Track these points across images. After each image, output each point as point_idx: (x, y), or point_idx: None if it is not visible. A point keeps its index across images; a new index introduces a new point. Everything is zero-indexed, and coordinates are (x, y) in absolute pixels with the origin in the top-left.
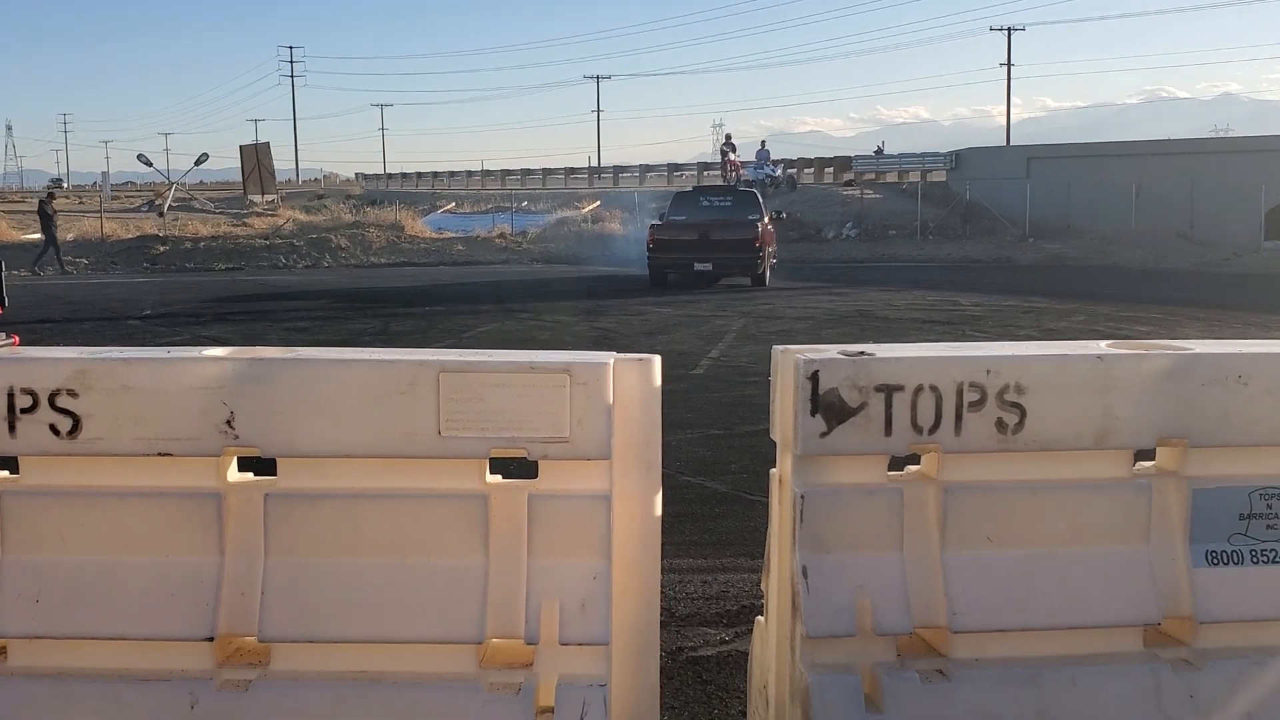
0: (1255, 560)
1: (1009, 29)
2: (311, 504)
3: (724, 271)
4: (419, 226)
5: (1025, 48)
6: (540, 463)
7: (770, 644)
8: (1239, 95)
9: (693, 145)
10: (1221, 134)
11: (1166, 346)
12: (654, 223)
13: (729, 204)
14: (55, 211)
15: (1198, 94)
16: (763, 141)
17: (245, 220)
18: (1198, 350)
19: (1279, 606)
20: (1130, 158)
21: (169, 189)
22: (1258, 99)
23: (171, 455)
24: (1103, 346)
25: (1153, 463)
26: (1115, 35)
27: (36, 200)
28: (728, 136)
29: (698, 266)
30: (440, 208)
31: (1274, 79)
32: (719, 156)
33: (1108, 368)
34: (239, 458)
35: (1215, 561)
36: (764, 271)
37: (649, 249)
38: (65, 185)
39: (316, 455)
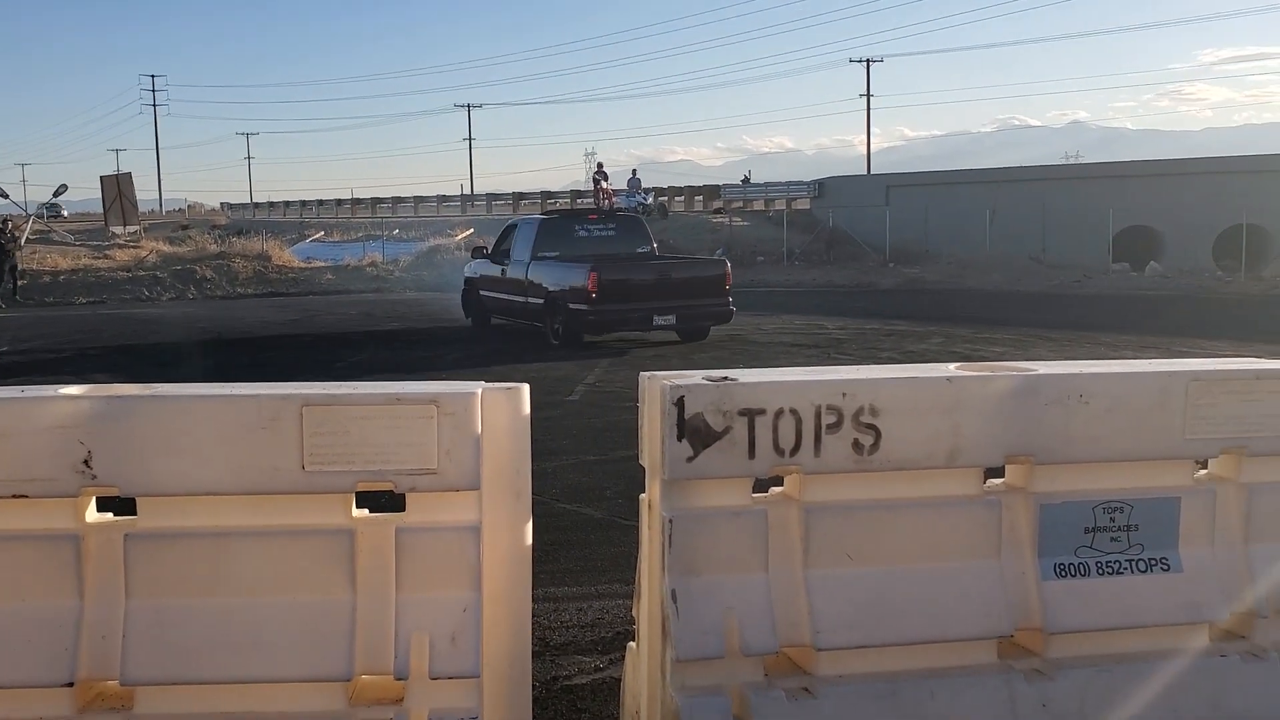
0: (1100, 572)
1: (868, 61)
2: (173, 543)
3: (690, 324)
4: (286, 256)
5: (884, 79)
6: (408, 495)
7: (642, 669)
8: (1088, 123)
9: (565, 173)
10: (1072, 160)
11: (1012, 368)
12: (539, 256)
13: (614, 232)
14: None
15: (1049, 122)
16: (634, 170)
17: (107, 252)
18: (1041, 371)
19: (1124, 616)
20: (985, 185)
21: (26, 221)
22: (1105, 126)
23: (27, 497)
24: (952, 369)
25: (1002, 480)
26: (969, 66)
27: None
28: (599, 165)
29: (658, 320)
30: (309, 237)
31: (1120, 107)
32: (591, 184)
33: (957, 389)
34: (98, 498)
35: (1063, 574)
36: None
37: (590, 297)
38: None
39: (178, 493)
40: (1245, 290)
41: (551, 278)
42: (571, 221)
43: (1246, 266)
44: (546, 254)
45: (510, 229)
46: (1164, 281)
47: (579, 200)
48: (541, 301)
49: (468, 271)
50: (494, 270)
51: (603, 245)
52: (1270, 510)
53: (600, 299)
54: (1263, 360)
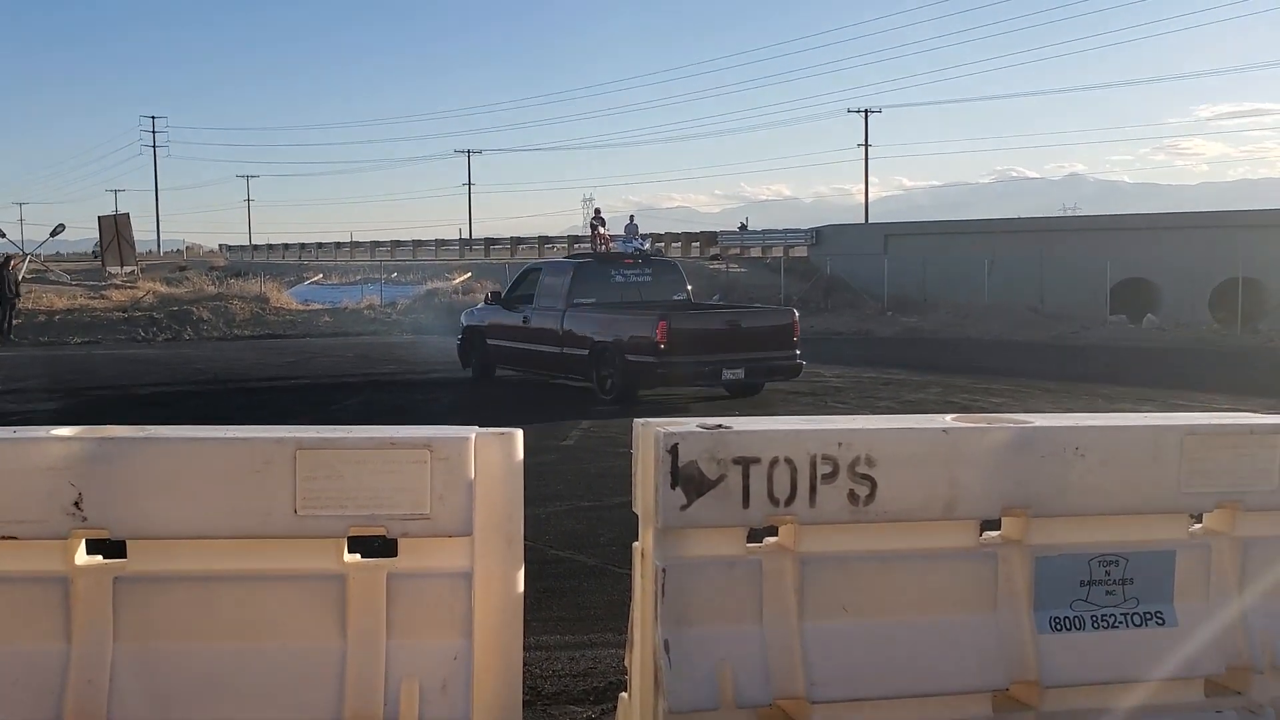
0: (1096, 626)
1: (866, 111)
2: (163, 587)
3: (758, 379)
4: (284, 298)
5: (882, 129)
6: (400, 540)
7: None
8: (1085, 175)
9: (563, 218)
10: (1070, 213)
11: (1008, 420)
12: (576, 303)
13: (650, 278)
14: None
15: (1047, 174)
16: (631, 216)
17: (103, 292)
18: (1037, 424)
19: (1119, 670)
20: (983, 235)
21: (23, 260)
22: (1103, 179)
23: (16, 539)
24: (948, 420)
25: (998, 532)
26: (968, 118)
27: None
28: (597, 210)
29: (727, 374)
30: (307, 279)
31: (1117, 160)
32: (589, 230)
33: (953, 440)
34: (88, 540)
35: (1059, 627)
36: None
37: (658, 349)
38: None
39: (168, 537)
40: (1241, 343)
41: (600, 327)
42: (607, 266)
43: (1242, 320)
44: (583, 300)
45: (531, 273)
46: (1161, 334)
47: (576, 246)
48: (585, 352)
49: (468, 319)
50: (509, 318)
51: (641, 291)
52: (1265, 565)
53: (669, 350)
54: (1258, 414)
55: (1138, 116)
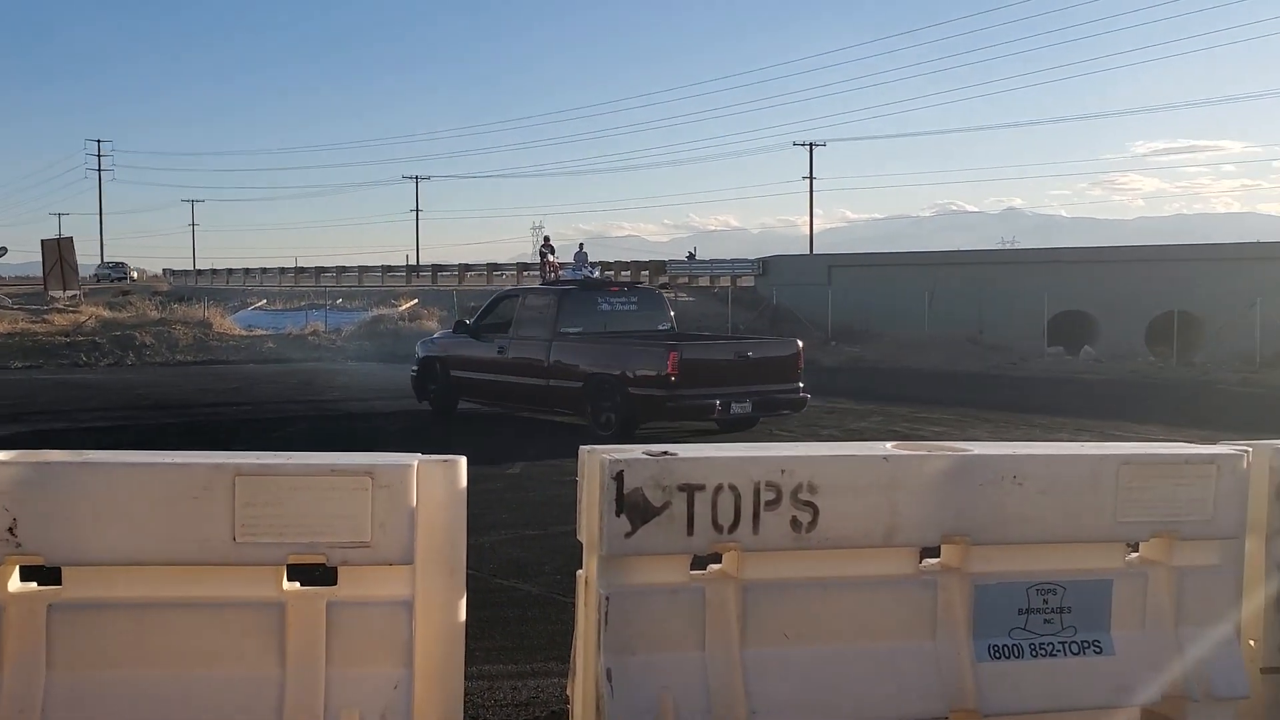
0: (1034, 654)
1: (811, 144)
2: (98, 615)
3: (765, 413)
4: (228, 323)
5: (826, 162)
6: (340, 568)
7: None
8: (1024, 210)
9: (512, 246)
10: (1008, 246)
11: (948, 448)
12: (564, 332)
13: (635, 307)
14: None
15: (986, 208)
16: (581, 244)
17: (45, 317)
18: (976, 451)
19: (1057, 699)
20: (924, 267)
21: None
22: (1041, 213)
23: None
24: (889, 447)
25: (938, 560)
26: (910, 152)
27: None
28: (546, 238)
29: (735, 409)
30: (251, 304)
31: (1055, 195)
32: (538, 258)
33: (894, 468)
34: (21, 566)
35: (997, 655)
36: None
37: (668, 381)
38: None
39: (105, 563)
40: (1177, 375)
41: (597, 358)
42: (594, 294)
43: (1178, 352)
44: (570, 329)
45: (504, 301)
46: (1097, 365)
47: (525, 274)
48: (578, 385)
49: (426, 349)
50: (479, 348)
51: (626, 321)
52: (1200, 594)
53: (679, 383)
54: (1193, 445)
55: (1075, 152)
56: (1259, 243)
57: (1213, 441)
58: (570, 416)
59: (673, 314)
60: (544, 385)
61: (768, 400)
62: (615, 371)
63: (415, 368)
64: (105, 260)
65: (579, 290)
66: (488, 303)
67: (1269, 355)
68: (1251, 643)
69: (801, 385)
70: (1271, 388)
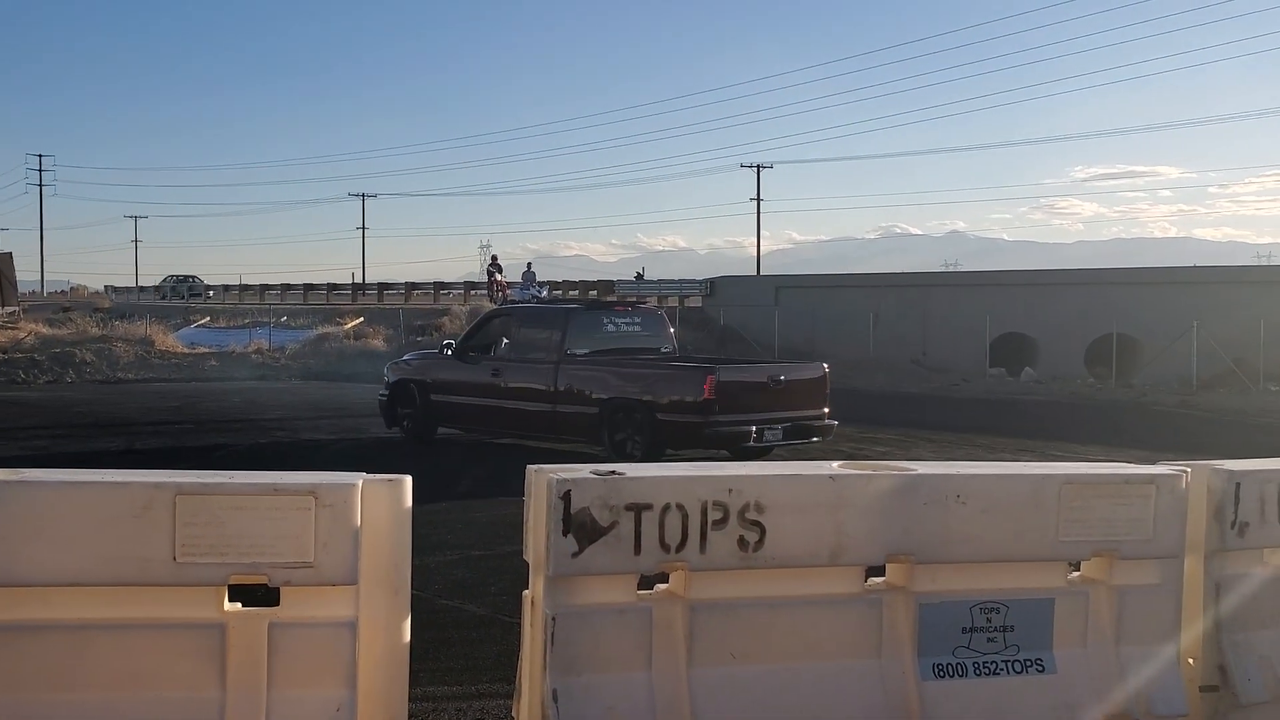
0: (978, 672)
1: (758, 166)
2: (33, 636)
3: (796, 439)
4: (170, 341)
5: (774, 184)
6: (283, 589)
7: None
8: (966, 233)
9: (459, 265)
10: (951, 268)
11: (893, 467)
12: (572, 354)
13: (639, 327)
14: None
15: (929, 230)
16: (529, 263)
17: None
18: (920, 471)
19: (1001, 716)
20: (869, 288)
21: None
22: (983, 236)
23: None
24: (834, 467)
25: (883, 579)
26: (855, 175)
27: None
28: (494, 257)
29: (768, 435)
30: (194, 322)
31: (997, 218)
32: (485, 276)
33: (839, 487)
34: None
35: (941, 674)
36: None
37: (705, 406)
38: None
39: (41, 584)
40: (1116, 397)
41: (617, 382)
42: (601, 314)
43: (1117, 374)
44: (578, 351)
45: (495, 320)
46: (1038, 387)
47: (473, 293)
48: (594, 411)
49: (398, 372)
50: (467, 371)
51: (632, 342)
52: (1140, 612)
53: (715, 409)
54: (1133, 465)
55: (1017, 176)
56: (1195, 267)
57: (1151, 462)
58: (577, 444)
59: (673, 332)
60: (549, 411)
61: (798, 427)
62: (641, 396)
63: (385, 392)
64: (175, 274)
65: (585, 310)
66: (476, 321)
67: (1206, 377)
68: (1190, 661)
69: (828, 410)
70: (1208, 409)
